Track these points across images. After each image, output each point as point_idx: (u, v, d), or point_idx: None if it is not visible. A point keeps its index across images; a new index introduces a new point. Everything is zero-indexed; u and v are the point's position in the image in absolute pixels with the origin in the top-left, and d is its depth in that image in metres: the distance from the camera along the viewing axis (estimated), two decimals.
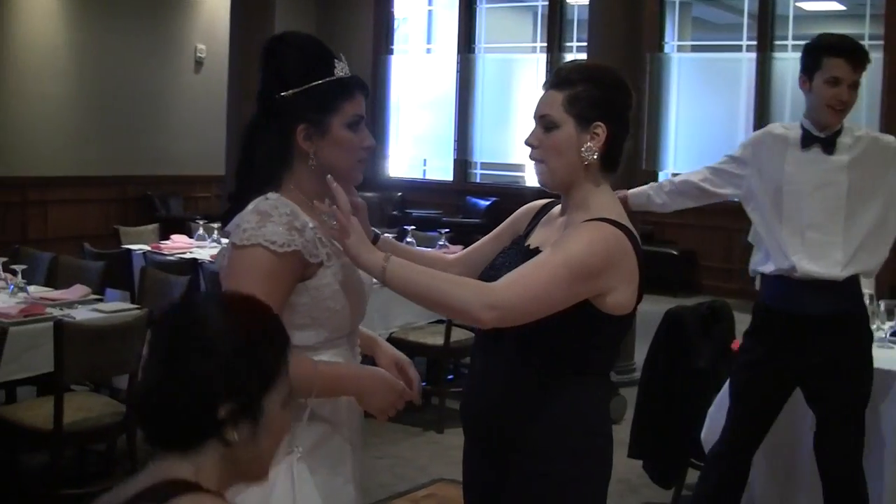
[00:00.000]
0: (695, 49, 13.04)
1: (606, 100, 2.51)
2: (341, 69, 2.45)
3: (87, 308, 5.22)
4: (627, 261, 2.44)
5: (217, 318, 1.67)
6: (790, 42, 11.54)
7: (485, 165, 14.14)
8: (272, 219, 2.33)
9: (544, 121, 2.53)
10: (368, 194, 13.64)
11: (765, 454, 4.39)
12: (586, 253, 2.38)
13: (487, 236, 2.84)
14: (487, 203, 12.92)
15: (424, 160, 15.10)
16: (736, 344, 4.58)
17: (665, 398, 4.91)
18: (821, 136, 3.93)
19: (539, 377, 2.49)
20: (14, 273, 5.51)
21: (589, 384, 2.53)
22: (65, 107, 11.62)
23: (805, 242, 3.92)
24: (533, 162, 2.58)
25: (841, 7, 13.49)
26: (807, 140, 3.94)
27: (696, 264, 11.52)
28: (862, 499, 3.99)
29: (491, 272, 2.60)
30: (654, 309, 5.95)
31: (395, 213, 13.43)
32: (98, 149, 11.82)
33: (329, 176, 2.39)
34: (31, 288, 5.63)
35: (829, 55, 3.85)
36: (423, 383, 6.64)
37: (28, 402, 4.89)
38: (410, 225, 12.32)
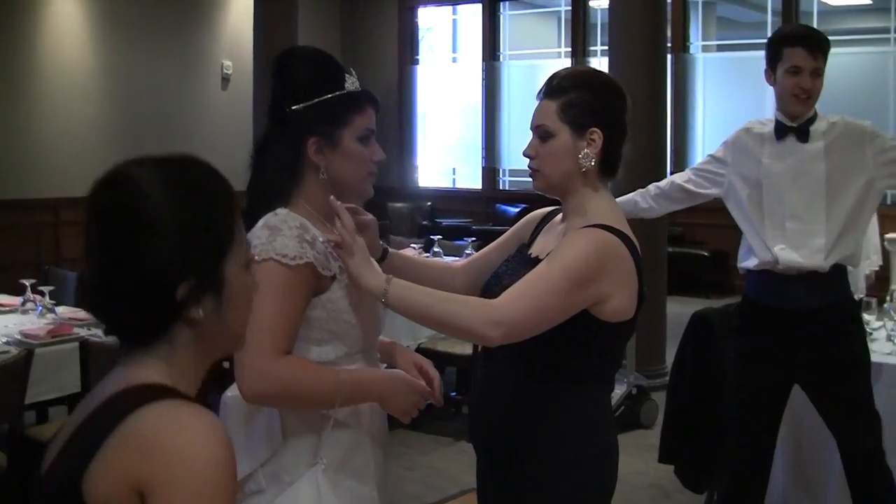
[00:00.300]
0: (720, 49, 12.99)
1: (600, 105, 2.52)
2: (352, 83, 2.47)
3: None
4: (623, 266, 2.44)
5: (155, 190, 1.51)
6: None
7: (513, 172, 14.12)
8: (282, 232, 2.34)
9: (540, 131, 2.55)
10: (398, 204, 13.68)
11: (793, 456, 4.36)
12: (580, 259, 2.39)
13: (493, 244, 2.85)
14: (517, 210, 12.84)
15: (454, 169, 15.10)
16: None
17: (693, 402, 4.86)
18: (793, 125, 3.94)
19: (538, 385, 2.51)
20: (42, 294, 5.57)
21: (589, 392, 2.54)
22: (95, 127, 11.68)
23: (787, 233, 3.92)
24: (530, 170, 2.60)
25: (867, 0, 13.38)
26: (780, 131, 3.95)
27: (727, 265, 11.48)
28: (889, 491, 3.95)
29: (494, 280, 2.64)
30: (684, 311, 5.92)
31: (424, 222, 13.42)
32: None
33: (332, 196, 2.40)
34: (60, 308, 5.68)
35: (788, 45, 3.88)
36: (453, 393, 6.70)
37: (58, 422, 4.91)
38: (439, 234, 12.37)
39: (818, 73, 3.87)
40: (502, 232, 9.81)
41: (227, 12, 13.01)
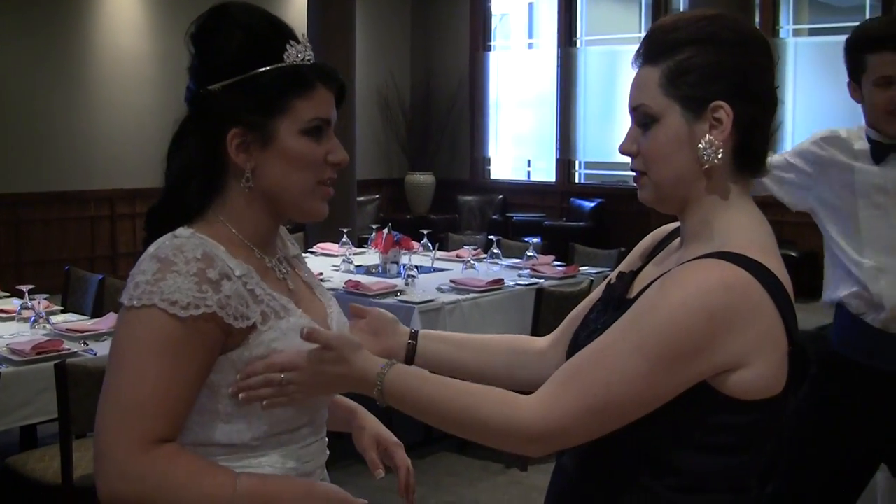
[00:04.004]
0: (812, 33, 12.09)
1: (728, 65, 1.66)
2: (296, 54, 1.76)
3: None
4: (759, 320, 1.56)
5: None
6: None
7: (589, 165, 13.33)
8: (175, 268, 1.66)
9: (639, 114, 1.71)
10: (468, 198, 13.10)
11: None
12: (674, 324, 1.54)
13: (597, 290, 1.97)
14: (592, 205, 12.14)
15: (529, 161, 14.37)
16: None
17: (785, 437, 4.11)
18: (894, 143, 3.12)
19: (630, 492, 1.67)
20: (45, 300, 5.00)
21: None
22: (151, 117, 11.25)
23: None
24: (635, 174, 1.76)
25: None
26: (878, 152, 3.15)
27: (817, 266, 10.60)
28: None
29: (582, 334, 1.81)
30: None
31: (495, 216, 12.78)
32: None
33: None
34: (65, 317, 5.14)
35: (872, 51, 3.04)
36: None
37: (41, 452, 4.30)
38: (510, 229, 11.76)
39: None
40: (577, 228, 8.91)
41: None
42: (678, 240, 1.80)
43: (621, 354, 1.56)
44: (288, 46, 1.76)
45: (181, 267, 1.66)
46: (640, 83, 1.71)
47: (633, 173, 1.75)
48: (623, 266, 1.94)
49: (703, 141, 1.65)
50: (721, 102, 1.65)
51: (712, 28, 1.67)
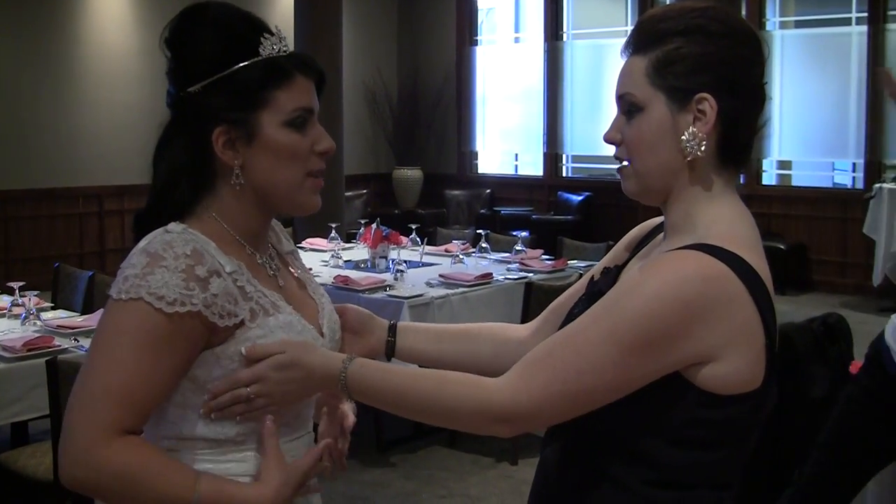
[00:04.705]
0: (798, 25, 12.12)
1: (713, 57, 1.65)
2: (272, 46, 1.76)
3: None
4: (735, 312, 1.56)
5: None
6: None
7: (576, 159, 13.38)
8: (163, 263, 1.67)
9: (624, 103, 1.71)
10: (455, 192, 13.13)
11: None
12: (648, 311, 1.54)
13: (581, 280, 1.98)
14: (580, 198, 12.19)
15: (516, 155, 14.41)
16: (855, 367, 3.78)
17: (771, 433, 4.13)
18: None
19: (607, 488, 1.67)
20: (38, 297, 5.01)
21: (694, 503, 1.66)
22: (139, 113, 11.23)
23: None
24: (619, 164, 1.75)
25: None
26: None
27: (806, 259, 10.65)
28: None
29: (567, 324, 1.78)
30: None
31: (482, 211, 12.80)
32: None
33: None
34: (55, 313, 5.15)
35: None
36: None
37: (33, 448, 4.32)
38: (498, 224, 11.78)
39: None
40: (564, 222, 8.91)
41: None
42: (662, 234, 1.80)
43: (593, 339, 1.57)
44: (262, 39, 1.76)
45: (170, 262, 1.67)
46: (628, 72, 1.71)
47: (619, 165, 1.76)
48: (608, 260, 1.94)
49: (686, 132, 1.65)
50: (706, 95, 1.65)
51: (701, 20, 1.67)
